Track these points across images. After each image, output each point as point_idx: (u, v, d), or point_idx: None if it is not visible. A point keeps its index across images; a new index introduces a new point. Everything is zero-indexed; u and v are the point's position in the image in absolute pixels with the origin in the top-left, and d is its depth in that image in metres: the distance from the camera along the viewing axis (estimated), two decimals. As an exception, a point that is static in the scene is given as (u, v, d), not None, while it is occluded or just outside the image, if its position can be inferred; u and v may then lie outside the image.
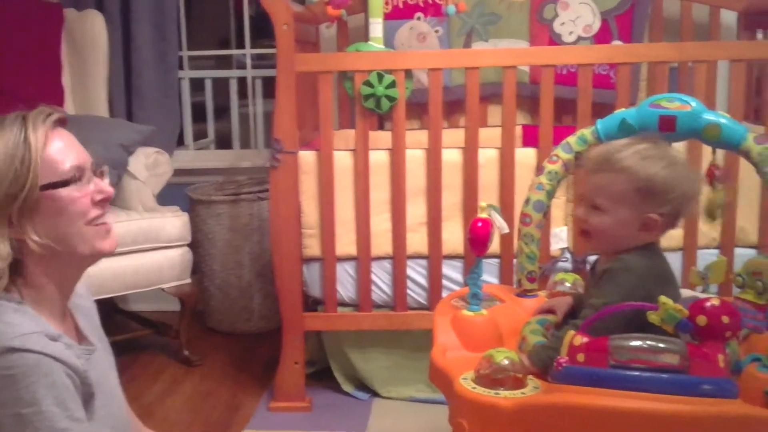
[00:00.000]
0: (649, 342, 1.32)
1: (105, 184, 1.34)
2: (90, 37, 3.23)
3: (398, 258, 2.54)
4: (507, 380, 1.38)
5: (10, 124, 1.26)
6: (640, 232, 1.49)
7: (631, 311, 1.38)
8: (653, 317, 1.33)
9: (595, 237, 1.53)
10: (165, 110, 3.45)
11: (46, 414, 1.18)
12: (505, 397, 1.34)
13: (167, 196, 3.16)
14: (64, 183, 1.27)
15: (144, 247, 2.85)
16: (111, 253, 1.35)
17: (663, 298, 1.32)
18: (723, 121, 1.65)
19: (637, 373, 1.30)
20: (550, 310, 1.66)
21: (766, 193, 2.34)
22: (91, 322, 1.45)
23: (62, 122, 1.32)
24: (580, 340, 1.35)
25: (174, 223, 2.93)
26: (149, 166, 3.04)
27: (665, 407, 1.26)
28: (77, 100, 3.29)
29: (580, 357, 1.34)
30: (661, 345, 1.31)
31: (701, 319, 1.29)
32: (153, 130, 3.10)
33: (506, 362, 1.39)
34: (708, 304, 1.30)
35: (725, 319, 1.29)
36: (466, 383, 1.39)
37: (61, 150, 1.28)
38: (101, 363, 1.39)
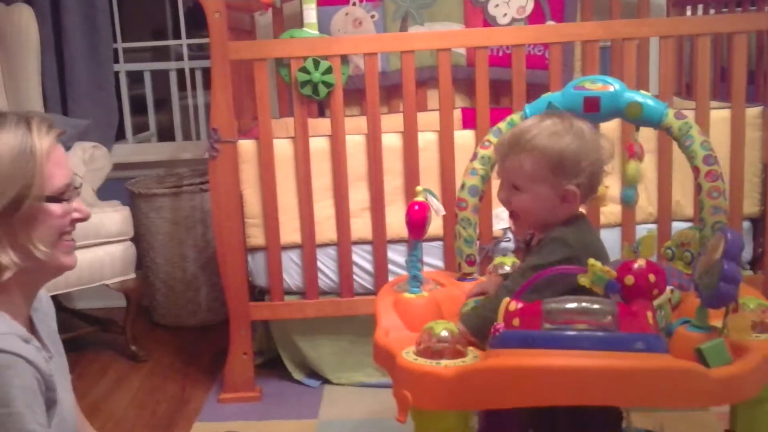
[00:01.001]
0: (581, 303, 1.35)
1: (83, 206, 1.36)
2: (19, 31, 3.15)
3: (343, 244, 2.54)
4: (447, 351, 1.41)
5: (13, 126, 1.25)
6: (562, 205, 1.54)
7: (560, 276, 1.42)
8: (583, 280, 1.37)
9: (522, 216, 1.58)
10: (101, 104, 3.39)
11: (16, 415, 1.18)
12: (446, 366, 1.37)
13: (107, 191, 3.11)
14: (57, 198, 1.29)
15: (85, 243, 2.79)
16: (71, 269, 1.37)
17: (592, 261, 1.37)
18: (644, 100, 1.71)
19: (570, 333, 1.33)
20: (482, 293, 1.68)
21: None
22: (47, 328, 1.44)
23: (60, 136, 1.33)
24: (515, 306, 1.38)
25: (114, 218, 2.89)
26: (87, 161, 2.99)
27: (599, 362, 1.29)
28: (10, 95, 3.21)
29: (515, 322, 1.37)
30: (593, 306, 1.35)
31: (629, 279, 1.34)
32: (88, 124, 3.05)
33: (445, 333, 1.42)
34: (635, 265, 1.35)
35: (651, 277, 1.34)
36: (408, 356, 1.42)
37: (59, 164, 1.29)
38: (57, 369, 1.38)
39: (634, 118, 1.73)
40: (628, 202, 1.81)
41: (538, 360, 1.31)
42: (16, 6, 3.18)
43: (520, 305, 1.38)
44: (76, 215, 1.34)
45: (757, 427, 1.55)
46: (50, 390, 1.27)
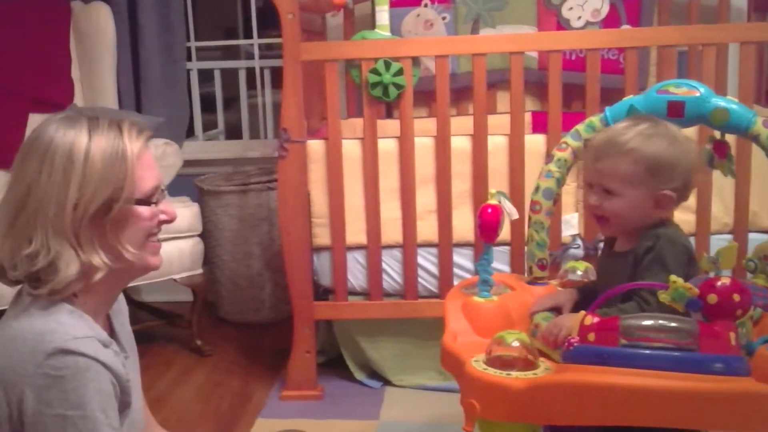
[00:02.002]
0: (659, 321, 1.31)
1: (172, 208, 1.38)
2: (97, 29, 3.23)
3: (408, 246, 2.54)
4: (518, 362, 1.38)
5: (105, 129, 1.27)
6: (654, 210, 1.51)
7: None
8: (663, 296, 1.32)
9: (613, 221, 1.54)
10: (173, 101, 3.45)
11: (90, 419, 1.19)
12: (516, 377, 1.35)
13: (177, 187, 3.16)
14: (146, 201, 1.31)
15: (155, 239, 2.85)
16: (157, 269, 1.38)
17: (673, 277, 1.32)
18: (731, 105, 1.65)
19: (646, 351, 1.29)
20: (555, 307, 1.65)
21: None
22: (124, 327, 1.47)
23: (151, 139, 1.35)
24: (591, 320, 1.34)
25: (184, 213, 2.93)
26: (158, 157, 3.04)
27: (675, 384, 1.25)
28: (86, 92, 3.30)
29: (591, 336, 1.33)
30: (672, 324, 1.30)
31: (711, 298, 1.29)
32: (162, 121, 3.10)
33: (517, 343, 1.40)
34: (718, 282, 1.30)
35: (736, 297, 1.28)
36: (477, 365, 1.40)
37: (149, 167, 1.31)
38: (131, 368, 1.41)
39: (720, 124, 1.66)
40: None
41: (610, 378, 1.27)
42: (94, 4, 3.26)
43: (596, 319, 1.34)
44: (163, 217, 1.35)
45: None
46: (125, 394, 1.29)
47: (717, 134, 1.74)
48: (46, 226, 1.23)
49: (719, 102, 1.65)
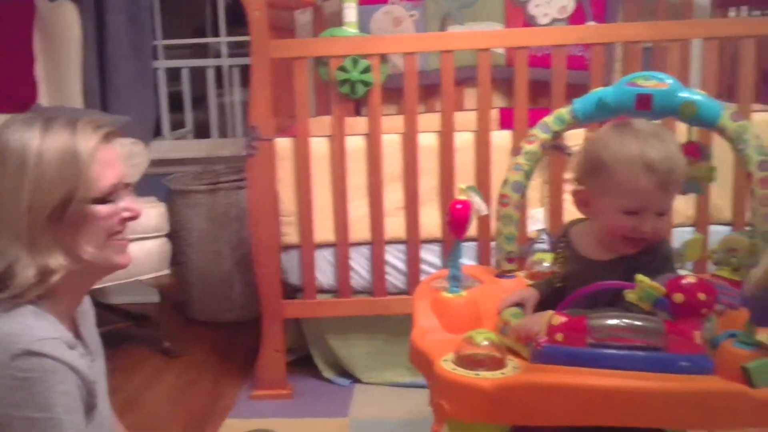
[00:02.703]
0: (626, 320, 1.32)
1: (135, 204, 1.34)
2: (63, 27, 3.19)
3: (377, 243, 2.53)
4: (487, 361, 1.38)
5: (60, 129, 1.24)
6: None
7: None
8: (630, 296, 1.33)
9: (653, 239, 1.48)
10: (141, 100, 3.41)
11: (56, 420, 1.18)
12: (484, 377, 1.34)
13: (144, 187, 3.07)
14: (104, 200, 1.27)
15: (121, 239, 2.82)
16: (125, 267, 1.36)
17: (639, 277, 1.32)
18: (699, 98, 1.64)
19: (614, 351, 1.30)
20: (520, 303, 1.65)
21: (740, 170, 2.34)
22: (90, 330, 1.45)
23: (111, 135, 1.31)
24: (559, 319, 1.35)
25: (151, 213, 2.91)
26: (125, 156, 3.00)
27: (642, 385, 1.26)
28: (51, 91, 3.26)
29: (559, 336, 1.34)
30: (638, 323, 1.31)
31: (678, 297, 1.29)
32: (127, 120, 3.07)
33: (486, 342, 1.40)
34: (684, 281, 1.30)
35: (702, 296, 1.29)
36: (446, 365, 1.39)
37: (107, 165, 1.28)
38: (97, 371, 1.39)
39: (689, 117, 1.66)
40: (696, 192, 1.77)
41: (578, 378, 1.28)
42: (60, 3, 3.21)
43: (564, 319, 1.35)
44: (126, 214, 1.32)
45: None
46: (91, 396, 1.27)
47: (687, 136, 1.75)
48: (1, 230, 1.21)
49: (688, 95, 1.64)
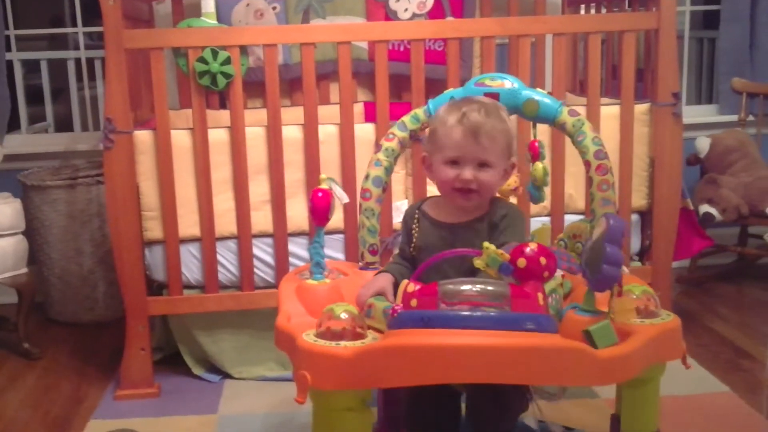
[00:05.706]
0: (476, 285, 1.39)
1: None
2: None
3: (243, 237, 2.52)
4: (347, 333, 1.43)
5: None
6: (503, 180, 1.70)
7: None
8: (478, 262, 1.42)
9: (482, 192, 1.66)
10: (-8, 93, 3.26)
11: None
12: (345, 346, 1.39)
13: (-3, 183, 3.00)
14: None
15: (-27, 238, 2.70)
16: None
17: (486, 244, 1.41)
18: (540, 97, 1.80)
19: (464, 312, 1.35)
20: (380, 292, 1.69)
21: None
22: None
23: None
24: (413, 287, 1.41)
25: (5, 211, 2.79)
26: (-25, 152, 2.87)
27: (491, 341, 1.32)
28: None
29: (413, 302, 1.39)
30: (486, 287, 1.38)
31: (521, 262, 1.38)
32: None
33: (345, 315, 1.45)
34: (527, 249, 1.40)
35: (542, 260, 1.38)
36: (307, 338, 1.43)
37: None
38: None
39: (531, 114, 1.81)
40: (536, 201, 1.91)
41: (432, 339, 1.33)
42: None
43: (417, 287, 1.40)
44: None
45: (640, 408, 1.63)
46: None
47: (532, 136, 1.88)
48: None
49: (529, 94, 1.81)
